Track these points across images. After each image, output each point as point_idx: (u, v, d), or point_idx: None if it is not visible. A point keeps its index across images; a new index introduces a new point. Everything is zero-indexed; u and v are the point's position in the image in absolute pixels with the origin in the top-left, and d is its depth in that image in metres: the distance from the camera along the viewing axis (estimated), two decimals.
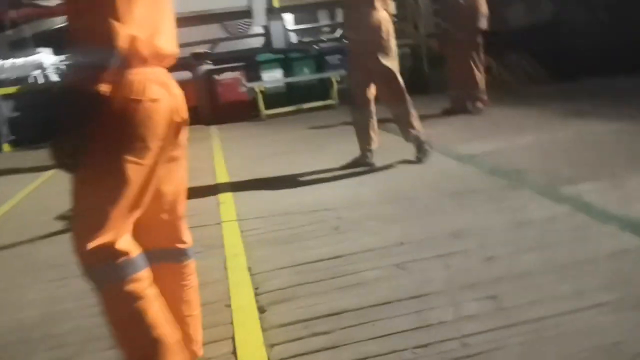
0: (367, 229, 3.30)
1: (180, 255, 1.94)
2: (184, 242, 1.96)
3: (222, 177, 5.09)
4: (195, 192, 4.44)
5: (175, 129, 1.80)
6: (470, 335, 2.04)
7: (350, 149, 4.83)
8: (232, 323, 2.35)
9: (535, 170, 4.13)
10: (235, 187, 4.62)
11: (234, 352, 2.12)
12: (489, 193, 3.72)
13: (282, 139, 6.87)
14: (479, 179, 4.08)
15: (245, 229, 3.52)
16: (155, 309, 1.69)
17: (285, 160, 5.51)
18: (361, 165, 4.65)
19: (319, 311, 2.34)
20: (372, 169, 4.59)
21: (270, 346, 2.13)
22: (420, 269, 2.67)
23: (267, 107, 8.92)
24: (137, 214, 1.72)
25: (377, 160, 4.69)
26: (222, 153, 6.38)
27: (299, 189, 4.35)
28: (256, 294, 2.58)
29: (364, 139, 4.67)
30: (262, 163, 5.49)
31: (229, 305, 2.51)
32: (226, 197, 4.32)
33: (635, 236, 2.74)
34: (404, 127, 4.63)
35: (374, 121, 4.68)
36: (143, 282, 1.69)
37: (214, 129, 8.40)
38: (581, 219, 3.07)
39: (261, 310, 2.42)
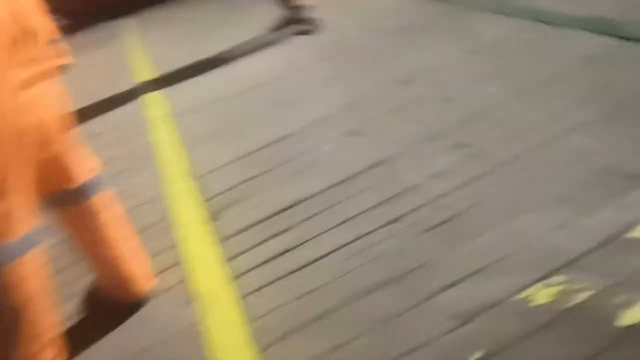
0: (310, 97, 2.96)
1: (79, 195, 1.58)
2: (79, 179, 1.58)
3: (143, 74, 4.59)
4: (114, 101, 4.02)
5: (21, 39, 1.37)
6: (444, 194, 1.80)
7: (277, 11, 4.34)
8: (180, 243, 2.07)
9: None
10: (161, 81, 4.16)
11: (187, 278, 1.87)
12: (433, 23, 3.37)
13: (204, 14, 6.23)
14: (421, 9, 3.69)
15: (179, 126, 3.15)
16: (33, 302, 1.39)
17: (211, 38, 4.97)
18: (291, 24, 4.18)
19: (274, 206, 2.07)
20: (303, 26, 4.13)
21: (227, 260, 1.88)
22: (375, 130, 2.38)
23: None
24: (17, 173, 1.36)
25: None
26: (138, 46, 5.78)
27: (230, 67, 3.91)
28: (202, 202, 2.28)
29: None
30: (187, 48, 4.96)
31: (174, 222, 2.22)
32: (152, 96, 3.89)
33: (599, 36, 2.47)
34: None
35: None
36: (25, 267, 1.36)
37: (120, 22, 7.63)
38: (538, 29, 2.77)
39: (211, 219, 2.14)
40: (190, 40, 5.21)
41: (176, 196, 2.39)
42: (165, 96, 3.76)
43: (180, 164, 2.70)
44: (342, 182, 2.07)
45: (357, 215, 1.86)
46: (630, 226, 1.44)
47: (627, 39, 2.37)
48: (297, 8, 4.12)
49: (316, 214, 1.94)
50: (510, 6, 3.19)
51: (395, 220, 1.76)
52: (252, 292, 1.67)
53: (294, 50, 3.80)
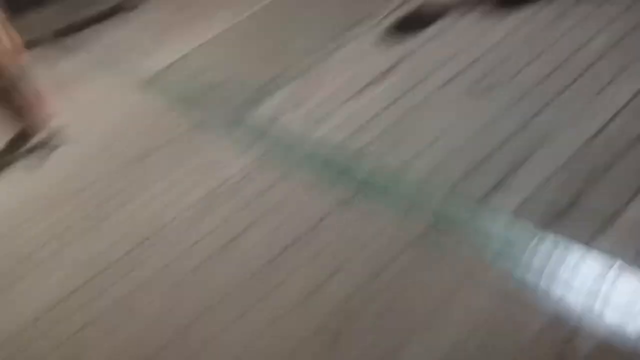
0: (40, 269, 2.64)
1: None
2: None
3: None
4: None
5: None
6: None
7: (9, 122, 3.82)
8: None
9: (225, 82, 3.60)
10: None
11: None
12: (175, 146, 3.16)
13: None
14: (167, 121, 3.45)
15: None
16: None
17: None
18: (25, 141, 3.71)
19: None
20: (38, 145, 3.67)
21: None
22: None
23: None
24: None
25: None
26: None
27: None
28: None
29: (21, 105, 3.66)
30: None
31: None
32: None
33: (334, 185, 2.38)
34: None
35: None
36: None
37: None
38: (270, 174, 2.66)
39: None
40: None
41: None
42: None
43: None
44: None
45: None
46: None
47: (360, 188, 2.33)
48: (33, 118, 3.67)
49: None
50: (247, 124, 3.07)
51: None
52: None
53: (23, 187, 3.35)
